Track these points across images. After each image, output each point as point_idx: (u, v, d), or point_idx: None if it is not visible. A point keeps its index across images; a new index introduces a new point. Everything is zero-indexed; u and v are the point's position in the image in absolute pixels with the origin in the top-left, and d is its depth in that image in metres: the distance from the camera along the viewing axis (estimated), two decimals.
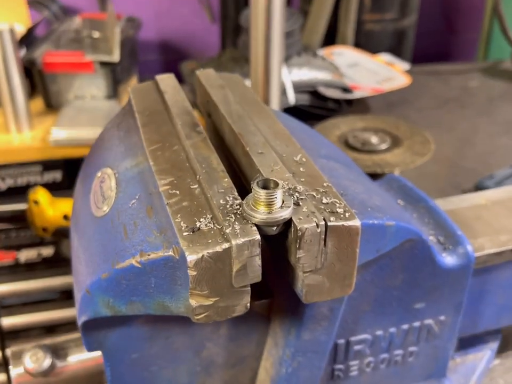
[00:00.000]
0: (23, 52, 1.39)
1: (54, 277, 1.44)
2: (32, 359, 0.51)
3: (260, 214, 0.36)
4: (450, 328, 0.57)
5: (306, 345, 0.50)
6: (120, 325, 0.46)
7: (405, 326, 0.55)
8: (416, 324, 0.56)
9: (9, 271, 1.42)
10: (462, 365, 0.64)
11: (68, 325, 1.35)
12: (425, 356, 0.58)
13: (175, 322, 0.48)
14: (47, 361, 0.51)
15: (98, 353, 0.49)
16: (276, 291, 0.51)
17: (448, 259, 0.53)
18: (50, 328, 1.44)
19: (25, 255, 1.42)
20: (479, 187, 1.00)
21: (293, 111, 1.22)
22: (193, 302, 0.37)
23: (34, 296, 1.48)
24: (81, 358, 0.53)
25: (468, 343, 0.65)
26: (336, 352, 0.54)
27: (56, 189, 1.21)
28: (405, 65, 1.51)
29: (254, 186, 0.37)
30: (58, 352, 0.53)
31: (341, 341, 0.54)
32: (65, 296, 1.46)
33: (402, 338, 0.56)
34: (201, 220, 0.37)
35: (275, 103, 1.08)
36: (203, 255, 0.35)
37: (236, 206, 0.38)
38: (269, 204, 0.36)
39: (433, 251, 0.52)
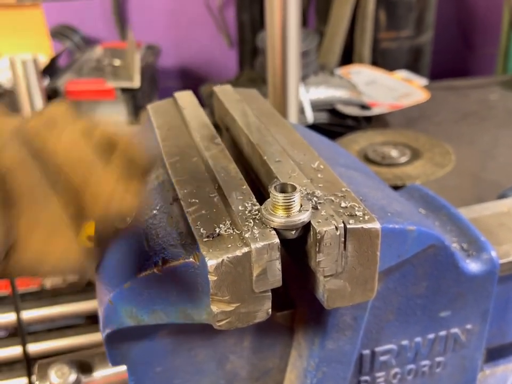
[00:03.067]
0: (46, 81, 1.42)
1: (79, 302, 1.44)
2: (58, 374, 0.51)
3: (279, 218, 0.36)
4: (477, 337, 0.56)
5: (331, 355, 0.49)
6: (143, 338, 0.46)
7: (431, 336, 0.54)
8: (442, 333, 0.55)
9: (35, 297, 1.43)
10: (492, 377, 0.63)
11: (96, 348, 1.35)
12: (453, 366, 0.57)
13: (197, 334, 0.48)
14: (72, 377, 0.51)
15: (123, 368, 0.49)
16: (298, 302, 0.50)
17: (472, 265, 0.53)
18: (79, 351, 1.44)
19: (51, 280, 1.43)
20: (502, 198, 0.99)
21: (311, 129, 1.23)
22: (214, 308, 0.37)
23: (60, 322, 1.48)
24: (106, 373, 0.53)
25: (497, 353, 0.64)
26: (362, 363, 0.53)
27: None
28: (423, 81, 1.51)
29: (272, 190, 0.37)
30: (83, 367, 0.53)
31: (366, 352, 0.53)
32: (91, 321, 1.46)
33: (428, 348, 0.55)
34: (221, 226, 0.38)
35: (293, 122, 1.09)
36: (223, 260, 0.35)
37: (255, 211, 0.38)
38: (287, 208, 0.36)
39: (456, 257, 0.51)
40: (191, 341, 0.48)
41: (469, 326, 0.55)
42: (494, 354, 0.64)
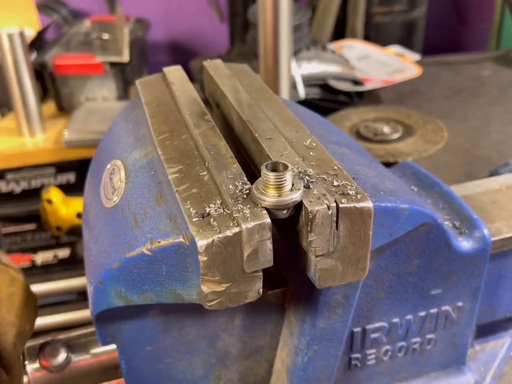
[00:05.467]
0: (33, 55, 1.39)
1: (70, 278, 1.44)
2: (48, 353, 0.51)
3: (270, 198, 0.36)
4: (468, 314, 0.57)
5: (322, 333, 0.49)
6: (133, 317, 0.46)
7: (422, 313, 0.55)
8: (433, 310, 0.55)
9: (26, 274, 1.42)
10: (481, 353, 0.63)
11: (85, 326, 1.35)
12: (443, 343, 0.57)
13: (188, 313, 0.48)
14: (62, 356, 0.51)
15: (113, 347, 0.48)
16: (289, 280, 0.50)
17: (465, 243, 0.52)
18: (68, 330, 1.45)
19: (42, 257, 1.43)
20: (493, 175, 0.99)
21: (303, 105, 1.21)
22: (205, 289, 0.36)
23: (52, 298, 1.48)
24: (96, 352, 0.53)
25: (487, 330, 0.64)
26: (353, 341, 0.53)
27: (70, 190, 1.21)
28: (416, 56, 1.49)
29: (263, 169, 0.36)
30: (73, 346, 0.52)
31: (357, 329, 0.53)
32: (82, 297, 1.46)
33: (419, 325, 0.55)
34: (211, 205, 0.37)
35: (285, 97, 1.08)
36: (213, 240, 0.35)
37: (246, 190, 0.37)
38: (279, 187, 0.36)
39: (449, 235, 0.51)
40: (182, 320, 0.48)
41: (460, 304, 0.55)
42: (484, 331, 0.64)
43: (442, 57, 1.65)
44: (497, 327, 0.65)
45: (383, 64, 1.41)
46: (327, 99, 1.26)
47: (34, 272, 1.44)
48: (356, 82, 1.29)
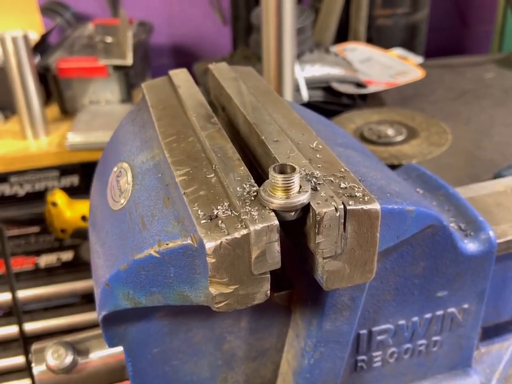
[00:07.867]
0: (37, 58, 1.40)
1: (74, 281, 1.45)
2: (54, 356, 0.51)
3: (278, 200, 0.36)
4: (474, 316, 0.57)
5: (328, 335, 0.49)
6: (140, 319, 0.46)
7: (428, 315, 0.55)
8: (439, 312, 0.55)
9: (30, 277, 1.43)
10: (487, 355, 0.63)
11: (90, 329, 1.36)
12: (449, 345, 0.57)
13: (195, 315, 0.48)
14: (68, 358, 0.51)
15: (120, 349, 0.49)
16: (296, 282, 0.50)
17: (470, 245, 0.52)
18: (72, 332, 1.45)
19: (45, 260, 1.43)
20: (497, 177, 0.99)
21: (307, 107, 1.21)
22: (213, 290, 0.37)
23: (55, 301, 1.48)
24: (102, 354, 0.53)
25: (492, 332, 0.64)
26: (359, 343, 0.53)
27: (73, 193, 1.22)
28: (419, 59, 1.49)
29: (271, 171, 0.36)
30: (79, 348, 0.52)
31: (363, 331, 0.53)
32: (86, 300, 1.46)
33: (425, 327, 0.55)
34: (219, 207, 0.37)
35: (288, 100, 1.08)
36: (221, 242, 0.35)
37: (253, 193, 0.38)
38: (287, 189, 0.36)
39: (454, 237, 0.51)
40: (189, 322, 0.48)
41: (465, 306, 0.55)
42: (490, 333, 0.64)
43: (445, 59, 1.65)
44: (503, 329, 0.65)
45: (386, 66, 1.41)
46: (330, 102, 1.27)
47: (38, 275, 1.45)
48: (359, 84, 1.29)
